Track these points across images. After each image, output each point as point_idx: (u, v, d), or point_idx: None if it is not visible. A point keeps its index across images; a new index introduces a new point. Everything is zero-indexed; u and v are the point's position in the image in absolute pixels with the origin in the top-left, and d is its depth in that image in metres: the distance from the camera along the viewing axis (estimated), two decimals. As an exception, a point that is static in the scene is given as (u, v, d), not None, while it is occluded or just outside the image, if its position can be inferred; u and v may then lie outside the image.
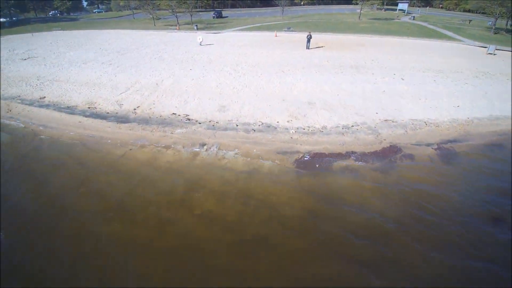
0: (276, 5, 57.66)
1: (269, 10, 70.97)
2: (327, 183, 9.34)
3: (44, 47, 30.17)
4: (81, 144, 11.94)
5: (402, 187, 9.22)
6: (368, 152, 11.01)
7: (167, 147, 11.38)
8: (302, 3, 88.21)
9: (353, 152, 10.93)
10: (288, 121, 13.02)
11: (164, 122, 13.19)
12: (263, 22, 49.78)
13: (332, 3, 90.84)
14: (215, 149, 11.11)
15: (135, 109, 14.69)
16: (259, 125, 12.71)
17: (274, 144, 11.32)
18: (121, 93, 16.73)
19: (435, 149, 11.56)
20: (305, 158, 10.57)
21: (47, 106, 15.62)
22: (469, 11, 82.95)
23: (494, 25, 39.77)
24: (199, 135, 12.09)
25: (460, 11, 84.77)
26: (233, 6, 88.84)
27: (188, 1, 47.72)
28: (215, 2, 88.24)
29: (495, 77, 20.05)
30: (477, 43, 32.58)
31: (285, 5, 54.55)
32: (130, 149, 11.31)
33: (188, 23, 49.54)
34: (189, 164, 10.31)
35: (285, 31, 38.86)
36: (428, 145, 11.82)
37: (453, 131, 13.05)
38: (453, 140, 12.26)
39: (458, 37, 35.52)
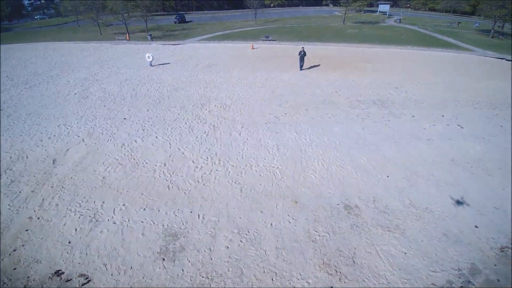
0: (247, 7, 50.25)
1: (238, 13, 63.45)
2: None
3: None
4: None
5: None
6: None
7: None
8: (272, 4, 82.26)
9: None
10: (324, 292, 5.65)
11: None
12: (234, 27, 42.27)
13: (301, 4, 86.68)
14: None
15: (-29, 255, 6.48)
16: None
17: None
18: (-29, 193, 8.35)
19: None
20: None
21: None
22: (435, 10, 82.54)
23: (493, 28, 35.82)
24: None
25: (426, 10, 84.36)
26: (198, 8, 80.00)
27: (141, 4, 38.40)
28: (179, 4, 78.84)
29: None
30: (489, 52, 27.79)
31: (258, 7, 47.27)
32: None
33: (143, 30, 40.59)
34: None
35: (263, 40, 31.66)
36: None
37: None
38: None
39: (464, 45, 30.70)
